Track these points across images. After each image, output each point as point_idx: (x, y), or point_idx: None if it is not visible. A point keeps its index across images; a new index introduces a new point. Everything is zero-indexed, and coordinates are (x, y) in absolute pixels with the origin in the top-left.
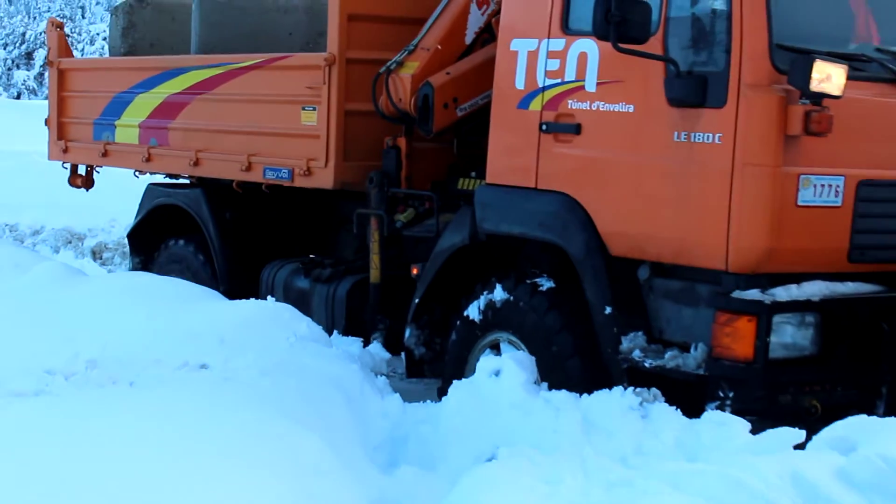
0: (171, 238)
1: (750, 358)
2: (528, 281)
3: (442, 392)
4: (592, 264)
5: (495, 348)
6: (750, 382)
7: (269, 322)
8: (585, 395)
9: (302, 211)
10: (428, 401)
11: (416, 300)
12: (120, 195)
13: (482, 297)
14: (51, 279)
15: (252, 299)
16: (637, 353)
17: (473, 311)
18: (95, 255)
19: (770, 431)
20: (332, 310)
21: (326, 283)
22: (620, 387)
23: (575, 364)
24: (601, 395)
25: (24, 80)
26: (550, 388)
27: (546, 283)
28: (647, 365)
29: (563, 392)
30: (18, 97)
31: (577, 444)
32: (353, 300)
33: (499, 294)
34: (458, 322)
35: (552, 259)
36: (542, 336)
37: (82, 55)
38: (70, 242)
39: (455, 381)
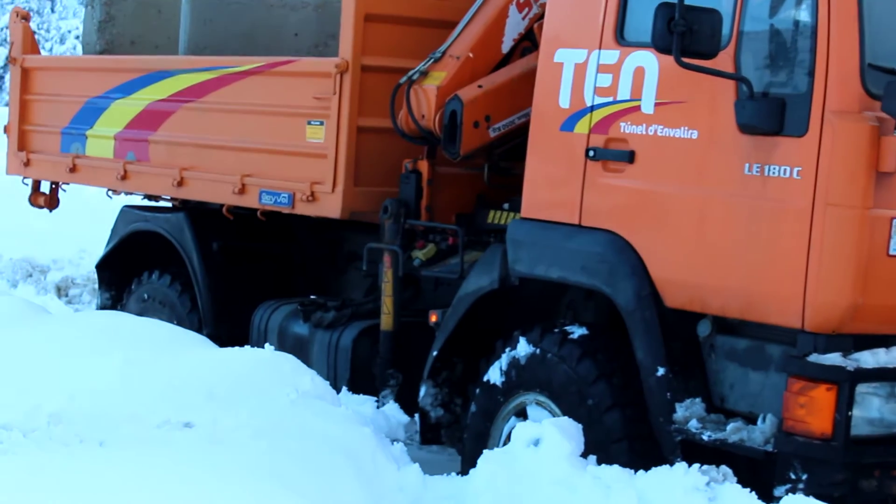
0: (148, 270)
1: (828, 434)
2: (557, 330)
3: (464, 471)
4: (644, 316)
5: (521, 415)
6: (828, 463)
7: (266, 375)
8: (641, 472)
9: (303, 243)
10: (453, 473)
11: (434, 353)
12: (91, 220)
13: (504, 356)
14: (7, 317)
15: (246, 347)
16: (694, 424)
17: (495, 374)
18: (60, 291)
19: None
20: (334, 361)
21: (329, 330)
22: (683, 463)
23: (615, 418)
24: (660, 473)
25: None
26: (587, 451)
27: (577, 331)
28: (705, 438)
29: (616, 468)
30: None
31: None
32: (361, 350)
33: (523, 348)
34: (477, 390)
35: (599, 308)
36: (574, 389)
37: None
38: (31, 276)
39: (486, 452)
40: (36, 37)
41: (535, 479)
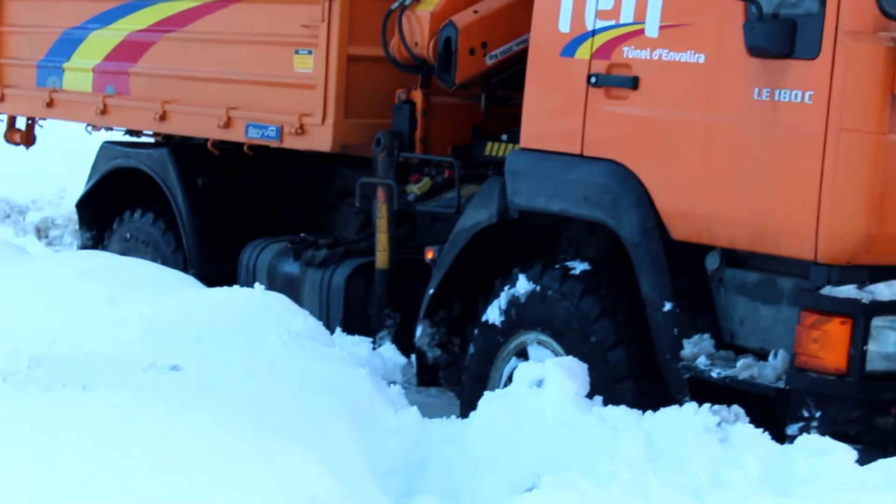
0: (130, 209)
1: (842, 370)
2: (558, 265)
3: (463, 415)
4: (649, 249)
5: (522, 355)
6: (842, 400)
7: (257, 315)
8: (649, 412)
9: (292, 178)
10: (452, 416)
11: (431, 291)
12: (72, 158)
13: (503, 294)
14: None
15: (235, 287)
16: (702, 361)
17: (493, 314)
18: (40, 232)
19: (882, 462)
20: (326, 300)
21: (321, 268)
22: (693, 403)
23: (619, 355)
24: (669, 413)
25: None
26: (593, 391)
27: (579, 266)
28: (714, 375)
29: (622, 408)
30: None
31: (639, 473)
32: (354, 289)
33: (522, 286)
34: (475, 331)
35: (602, 243)
36: (576, 327)
37: None
38: (9, 216)
39: (487, 393)
40: None
41: (539, 421)
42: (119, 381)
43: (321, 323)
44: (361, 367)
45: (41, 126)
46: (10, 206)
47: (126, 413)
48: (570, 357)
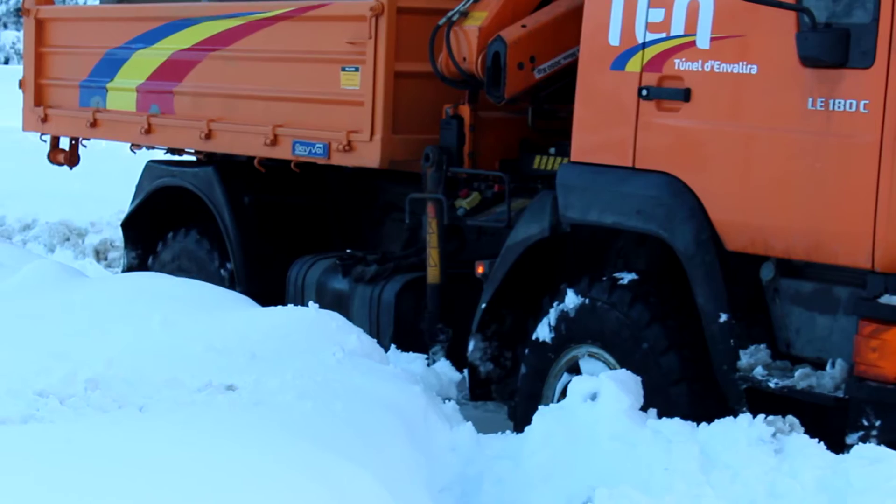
0: (176, 228)
1: None
2: (605, 277)
3: (518, 430)
4: (704, 261)
5: (573, 371)
6: None
7: (311, 334)
8: (704, 424)
9: (339, 195)
10: (507, 431)
11: (483, 305)
12: (129, 180)
13: (552, 311)
14: (42, 281)
15: (290, 306)
16: (759, 371)
17: (543, 331)
18: (99, 254)
19: None
20: (377, 316)
21: (370, 284)
22: (747, 414)
23: (672, 360)
24: (723, 424)
25: (14, 43)
26: (646, 399)
27: (627, 276)
28: (772, 385)
29: (677, 421)
30: (7, 62)
31: (694, 485)
32: (404, 305)
33: (571, 300)
34: (526, 350)
35: (652, 255)
36: (627, 335)
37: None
38: (68, 239)
39: (541, 408)
40: None
41: (593, 436)
42: (175, 402)
43: (374, 340)
44: (416, 384)
45: (84, 146)
46: (69, 229)
47: (182, 434)
48: (624, 370)
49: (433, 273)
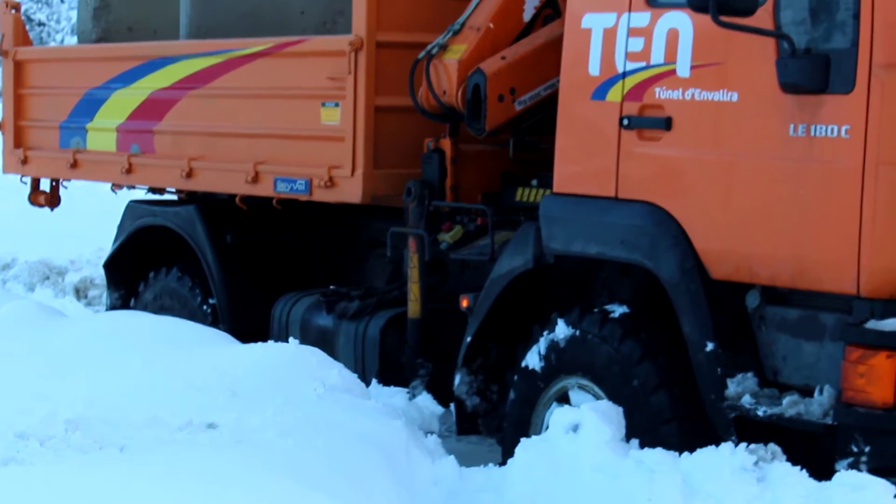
0: (157, 267)
1: (890, 403)
2: (597, 309)
3: (504, 462)
4: (689, 289)
5: (563, 400)
6: (891, 434)
7: (292, 369)
8: (686, 454)
9: (322, 231)
10: (490, 464)
11: (468, 339)
12: (108, 218)
13: (542, 339)
14: (21, 321)
15: (270, 342)
16: (747, 399)
17: (533, 359)
18: (79, 293)
19: None
20: (362, 352)
21: (354, 320)
22: (730, 443)
23: (662, 398)
24: (705, 454)
25: None
26: (632, 433)
27: (618, 310)
28: (760, 413)
29: (659, 451)
30: None
31: None
32: (389, 340)
33: (562, 331)
34: (515, 377)
35: (636, 285)
36: (618, 370)
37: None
38: (48, 278)
39: (523, 440)
40: (45, 30)
41: (575, 467)
42: (156, 441)
43: (356, 375)
44: (397, 419)
45: (65, 187)
46: (48, 268)
47: (163, 474)
48: (606, 401)
49: (413, 308)
